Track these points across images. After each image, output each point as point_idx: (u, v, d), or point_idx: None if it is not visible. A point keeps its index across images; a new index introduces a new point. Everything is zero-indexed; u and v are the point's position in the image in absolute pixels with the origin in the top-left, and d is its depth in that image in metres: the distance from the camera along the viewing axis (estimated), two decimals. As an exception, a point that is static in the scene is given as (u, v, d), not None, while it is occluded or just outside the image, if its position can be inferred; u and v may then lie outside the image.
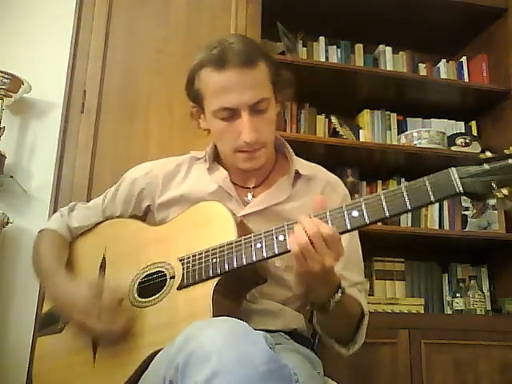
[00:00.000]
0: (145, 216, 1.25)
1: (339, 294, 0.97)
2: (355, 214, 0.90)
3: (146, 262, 1.09)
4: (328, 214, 0.92)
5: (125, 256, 1.14)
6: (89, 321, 0.99)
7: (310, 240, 0.88)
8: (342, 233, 0.91)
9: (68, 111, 1.91)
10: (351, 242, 1.18)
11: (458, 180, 0.85)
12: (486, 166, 0.85)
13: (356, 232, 1.20)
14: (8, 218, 1.84)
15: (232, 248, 0.97)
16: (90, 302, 1.01)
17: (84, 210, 1.28)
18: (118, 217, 1.25)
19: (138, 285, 1.07)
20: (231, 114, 1.07)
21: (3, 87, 1.90)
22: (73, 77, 1.94)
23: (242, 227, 1.03)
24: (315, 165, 1.27)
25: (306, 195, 1.17)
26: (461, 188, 0.84)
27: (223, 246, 0.98)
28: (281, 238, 0.93)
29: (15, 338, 1.82)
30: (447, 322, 1.99)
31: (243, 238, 0.97)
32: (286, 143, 1.25)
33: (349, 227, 0.90)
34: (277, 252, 0.94)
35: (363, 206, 0.89)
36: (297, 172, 1.19)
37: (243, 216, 1.09)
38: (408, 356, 1.85)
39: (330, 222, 0.91)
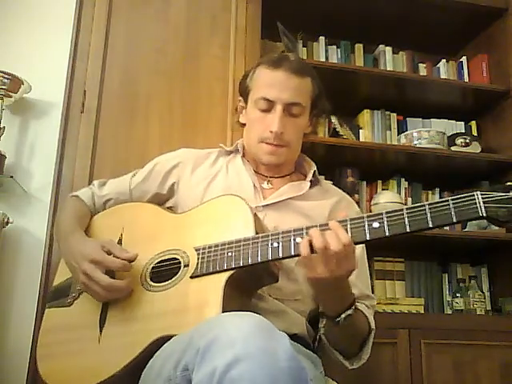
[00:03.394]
0: (168, 196, 1.29)
1: (351, 310, 1.00)
2: (376, 225, 0.91)
3: (162, 247, 1.10)
4: (348, 222, 0.93)
5: (141, 239, 1.15)
6: (96, 272, 1.02)
7: (325, 247, 0.90)
8: (359, 242, 0.92)
9: (68, 111, 1.91)
10: (362, 255, 1.22)
11: (482, 204, 0.86)
12: None
13: (364, 248, 1.25)
14: (8, 218, 1.84)
15: (249, 244, 0.98)
16: (100, 254, 1.05)
17: (111, 183, 1.35)
18: (141, 193, 1.30)
19: (152, 269, 1.08)
20: (268, 107, 1.20)
21: (3, 87, 1.90)
22: (73, 77, 1.94)
23: (258, 223, 1.05)
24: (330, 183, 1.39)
25: (323, 199, 1.25)
26: (484, 212, 0.85)
27: (240, 241, 1.00)
28: (298, 240, 0.95)
29: (15, 338, 1.81)
30: (447, 322, 1.99)
31: (261, 235, 0.99)
32: (306, 158, 1.35)
33: (368, 238, 0.91)
34: (292, 253, 0.95)
35: (385, 218, 0.91)
36: (315, 176, 1.28)
37: (262, 206, 1.17)
38: (408, 356, 1.85)
39: (349, 229, 0.92)
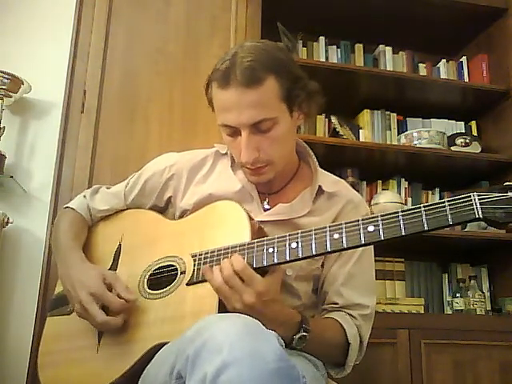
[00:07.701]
0: (166, 207, 1.25)
1: (302, 332, 0.97)
2: (371, 228, 0.89)
3: (160, 254, 1.10)
4: (344, 226, 0.91)
5: (140, 246, 1.15)
6: (92, 306, 1.00)
7: (225, 280, 0.91)
8: (355, 247, 0.91)
9: (68, 111, 1.91)
10: (361, 261, 1.17)
11: (478, 206, 0.82)
12: (510, 194, 0.82)
13: (371, 252, 1.22)
14: (8, 218, 1.84)
15: (244, 250, 0.97)
16: (100, 289, 1.01)
17: (106, 195, 1.28)
18: (138, 206, 1.25)
19: (149, 276, 1.08)
20: (233, 132, 1.06)
21: (3, 87, 1.90)
22: (73, 77, 1.94)
23: (259, 231, 1.03)
24: (339, 180, 1.25)
25: (326, 211, 1.16)
26: (480, 214, 0.82)
27: (236, 247, 0.98)
28: (293, 245, 0.93)
29: (15, 338, 1.81)
30: (447, 322, 1.99)
31: (256, 240, 0.97)
32: (310, 152, 1.22)
33: (363, 241, 0.89)
34: (288, 259, 0.93)
35: (380, 221, 0.88)
36: (320, 187, 1.16)
37: (260, 221, 1.08)
38: (408, 356, 1.85)
39: (344, 234, 0.90)
